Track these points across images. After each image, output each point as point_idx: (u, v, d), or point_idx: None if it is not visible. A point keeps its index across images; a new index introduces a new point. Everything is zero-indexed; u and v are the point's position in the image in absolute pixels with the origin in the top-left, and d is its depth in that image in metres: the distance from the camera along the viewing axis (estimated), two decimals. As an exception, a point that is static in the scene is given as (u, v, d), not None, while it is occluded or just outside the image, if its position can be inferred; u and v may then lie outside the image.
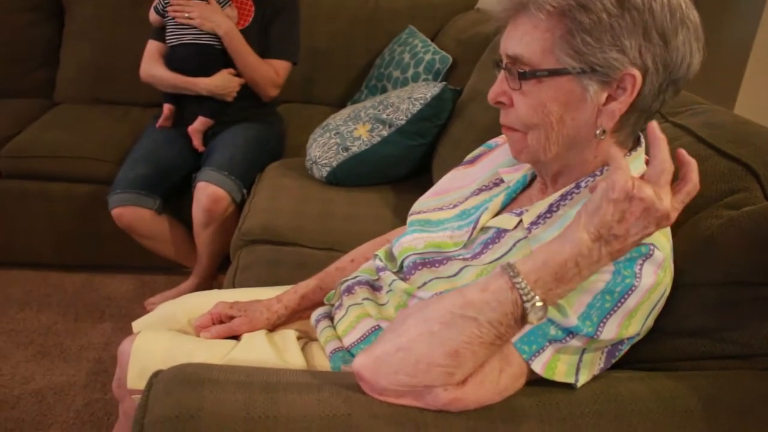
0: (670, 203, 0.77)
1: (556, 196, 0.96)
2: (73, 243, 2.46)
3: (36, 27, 2.83)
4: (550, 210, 0.95)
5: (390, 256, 1.12)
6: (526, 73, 0.88)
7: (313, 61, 2.81)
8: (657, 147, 0.79)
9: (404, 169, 2.05)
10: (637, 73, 0.85)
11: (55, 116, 2.64)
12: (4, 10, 2.78)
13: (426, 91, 1.97)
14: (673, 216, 0.78)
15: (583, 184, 0.94)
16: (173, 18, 2.22)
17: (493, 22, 2.42)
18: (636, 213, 0.76)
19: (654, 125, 0.80)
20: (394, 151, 1.98)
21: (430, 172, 2.03)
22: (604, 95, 0.87)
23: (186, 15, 2.18)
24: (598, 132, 0.89)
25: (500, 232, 0.99)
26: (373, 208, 1.90)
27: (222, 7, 2.23)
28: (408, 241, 1.08)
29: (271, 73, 2.28)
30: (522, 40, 0.88)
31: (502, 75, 0.92)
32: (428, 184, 1.96)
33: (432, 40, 2.66)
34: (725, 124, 1.11)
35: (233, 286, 1.56)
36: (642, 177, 0.79)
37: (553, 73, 0.87)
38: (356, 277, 1.12)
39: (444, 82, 2.02)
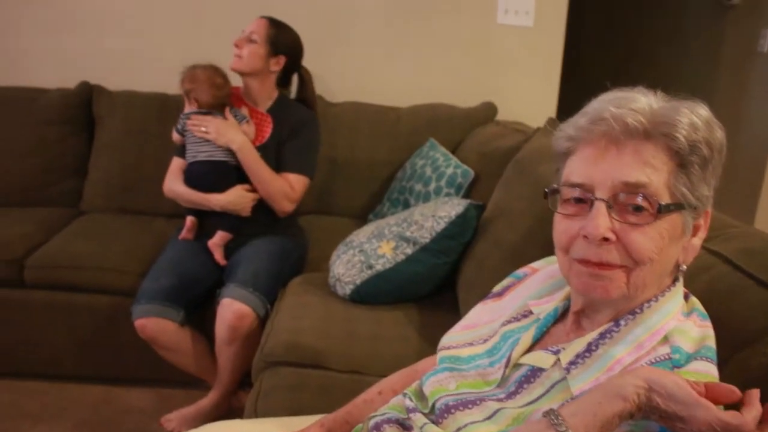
0: None
1: (594, 334, 0.93)
2: (93, 354, 2.44)
3: (67, 139, 2.91)
4: (589, 349, 0.92)
5: (420, 395, 1.08)
6: (669, 206, 0.85)
7: (333, 172, 2.86)
8: None
9: (428, 287, 2.02)
10: (710, 210, 0.89)
11: (80, 226, 2.68)
12: (38, 122, 2.88)
13: (450, 209, 1.98)
14: None
15: (622, 323, 0.91)
16: (192, 134, 2.26)
17: (513, 136, 2.44)
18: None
19: None
20: (418, 269, 1.97)
21: (454, 289, 2.00)
22: (691, 231, 0.89)
23: (202, 130, 2.22)
24: (683, 268, 0.91)
25: (535, 371, 0.95)
26: (398, 327, 1.87)
27: (239, 122, 2.28)
28: (439, 380, 1.04)
29: (286, 187, 2.29)
30: (644, 169, 0.85)
31: (602, 208, 0.86)
32: (452, 302, 1.95)
33: (453, 153, 2.68)
34: (762, 251, 1.09)
35: (255, 412, 1.52)
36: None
37: (678, 207, 0.86)
38: (385, 414, 1.08)
39: (468, 200, 2.02)
